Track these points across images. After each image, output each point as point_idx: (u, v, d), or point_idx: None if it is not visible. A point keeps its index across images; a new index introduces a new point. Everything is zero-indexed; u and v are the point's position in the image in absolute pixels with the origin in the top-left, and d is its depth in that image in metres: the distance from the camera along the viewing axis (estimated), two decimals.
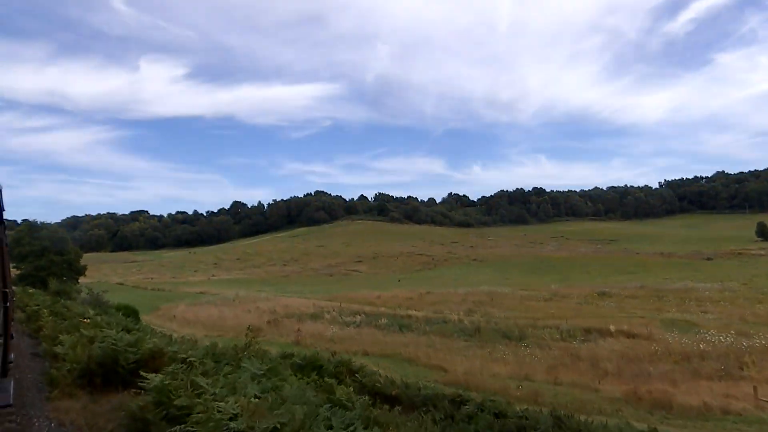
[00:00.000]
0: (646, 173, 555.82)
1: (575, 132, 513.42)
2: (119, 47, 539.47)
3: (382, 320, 41.66)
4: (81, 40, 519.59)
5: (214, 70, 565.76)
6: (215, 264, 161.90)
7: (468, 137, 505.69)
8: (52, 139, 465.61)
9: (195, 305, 59.65)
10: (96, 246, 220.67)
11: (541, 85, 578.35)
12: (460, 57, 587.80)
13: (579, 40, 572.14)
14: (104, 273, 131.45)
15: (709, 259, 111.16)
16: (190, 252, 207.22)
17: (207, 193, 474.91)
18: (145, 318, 45.43)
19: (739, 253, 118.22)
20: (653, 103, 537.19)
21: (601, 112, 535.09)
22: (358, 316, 44.43)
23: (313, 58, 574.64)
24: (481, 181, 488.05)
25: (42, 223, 62.35)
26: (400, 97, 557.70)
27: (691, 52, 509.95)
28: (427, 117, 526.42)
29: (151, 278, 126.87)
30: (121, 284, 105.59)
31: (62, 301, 19.96)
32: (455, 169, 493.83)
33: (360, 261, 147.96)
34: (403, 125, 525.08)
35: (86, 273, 61.67)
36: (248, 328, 13.07)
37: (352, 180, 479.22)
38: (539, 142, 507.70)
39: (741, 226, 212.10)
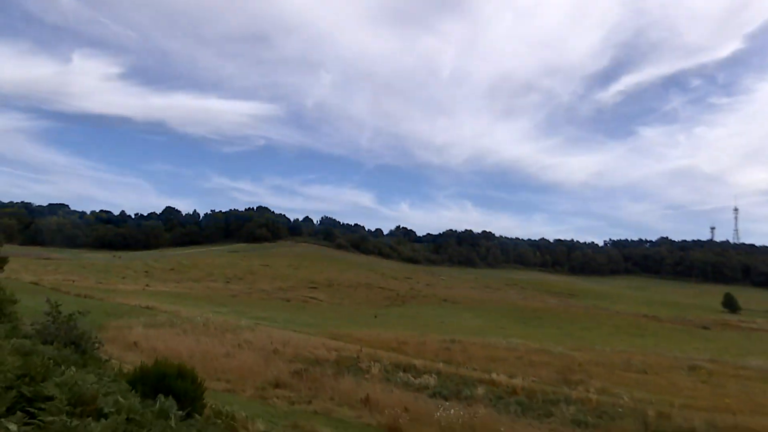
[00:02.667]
0: (564, 231, 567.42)
1: (502, 183, 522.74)
2: (53, 36, 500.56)
3: (479, 390, 27.65)
4: (12, 21, 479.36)
5: (150, 73, 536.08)
6: (146, 272, 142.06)
7: (399, 174, 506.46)
8: None
9: (155, 328, 43.51)
10: (4, 237, 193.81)
11: (475, 134, 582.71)
12: (401, 96, 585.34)
13: (515, 96, 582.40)
14: (13, 269, 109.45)
15: (705, 327, 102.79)
16: (115, 256, 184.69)
17: (126, 196, 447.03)
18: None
19: (730, 325, 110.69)
20: (578, 165, 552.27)
21: (529, 168, 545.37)
22: (426, 378, 30.20)
23: (254, 76, 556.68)
24: (407, 219, 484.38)
25: None
26: (337, 127, 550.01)
27: (618, 122, 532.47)
28: (362, 149, 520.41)
29: (73, 281, 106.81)
30: (36, 284, 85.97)
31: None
32: (383, 204, 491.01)
33: (315, 287, 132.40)
34: (337, 154, 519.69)
35: None
36: None
37: (278, 202, 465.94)
38: (467, 188, 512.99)
39: (692, 294, 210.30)
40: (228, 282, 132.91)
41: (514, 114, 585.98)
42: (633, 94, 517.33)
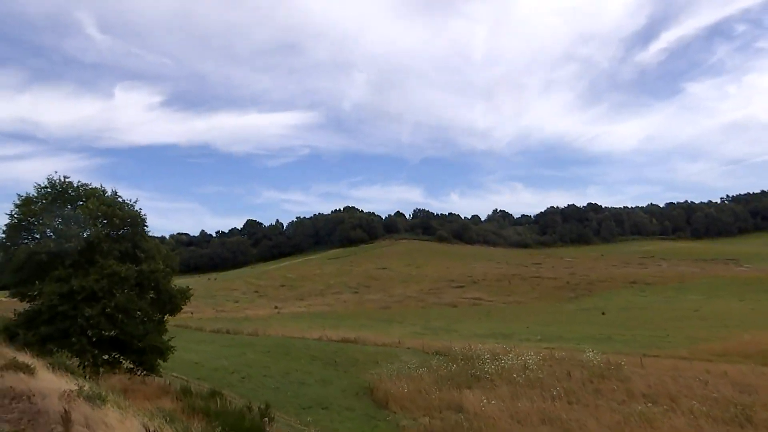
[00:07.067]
0: (623, 201, 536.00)
1: (550, 160, 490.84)
2: (93, 74, 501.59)
3: None
4: (54, 67, 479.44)
5: (190, 97, 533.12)
6: (256, 292, 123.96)
7: (445, 165, 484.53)
8: (24, 168, 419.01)
9: (487, 388, 22.47)
10: None
11: (516, 114, 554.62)
12: (436, 85, 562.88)
13: (553, 69, 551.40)
14: None
15: None
16: (209, 279, 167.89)
17: (183, 221, 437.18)
18: None
19: None
20: (627, 131, 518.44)
21: (576, 141, 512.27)
22: None
23: (290, 86, 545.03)
24: (459, 209, 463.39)
25: (83, 186, 25.00)
26: (377, 126, 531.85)
27: (663, 81, 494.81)
28: (404, 145, 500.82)
29: (191, 313, 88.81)
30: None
31: None
32: (433, 197, 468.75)
33: (460, 286, 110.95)
34: (381, 153, 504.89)
35: None
36: None
37: (329, 209, 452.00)
38: (515, 170, 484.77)
39: None
40: (356, 292, 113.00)
41: (554, 87, 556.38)
42: (676, 50, 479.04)
